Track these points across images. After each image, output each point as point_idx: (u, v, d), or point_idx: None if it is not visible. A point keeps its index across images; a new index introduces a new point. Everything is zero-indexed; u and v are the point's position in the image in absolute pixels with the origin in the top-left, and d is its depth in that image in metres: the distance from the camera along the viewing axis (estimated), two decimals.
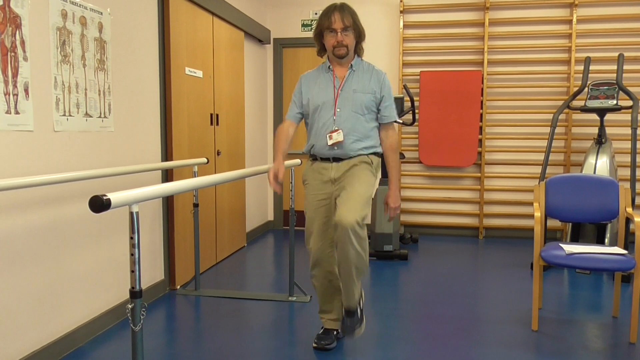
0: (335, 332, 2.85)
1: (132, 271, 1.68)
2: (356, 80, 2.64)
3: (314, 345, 2.78)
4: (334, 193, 2.65)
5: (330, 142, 2.60)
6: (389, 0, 5.70)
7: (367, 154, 2.66)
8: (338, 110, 2.61)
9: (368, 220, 2.67)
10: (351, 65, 2.66)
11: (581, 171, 4.52)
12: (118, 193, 1.60)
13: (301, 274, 4.24)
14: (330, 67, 2.68)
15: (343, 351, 2.76)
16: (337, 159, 2.65)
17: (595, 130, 5.43)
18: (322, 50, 2.71)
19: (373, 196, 2.63)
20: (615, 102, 4.41)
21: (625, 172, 5.29)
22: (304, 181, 2.78)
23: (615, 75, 5.27)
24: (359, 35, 2.65)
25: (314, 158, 2.73)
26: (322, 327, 2.89)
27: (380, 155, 2.76)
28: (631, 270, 2.77)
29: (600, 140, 4.52)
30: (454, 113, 5.55)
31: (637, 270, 2.80)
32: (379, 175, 2.72)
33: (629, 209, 3.09)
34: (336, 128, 2.60)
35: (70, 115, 2.71)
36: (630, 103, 5.12)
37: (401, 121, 4.64)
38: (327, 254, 2.72)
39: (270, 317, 3.27)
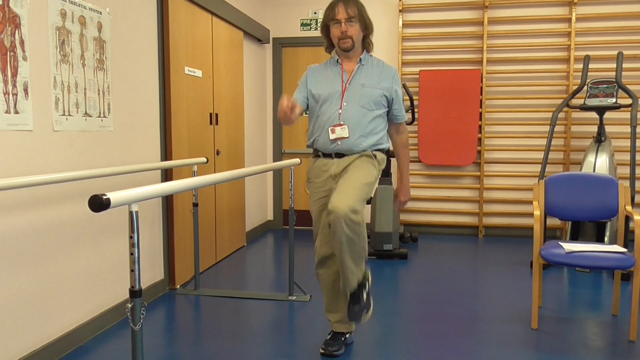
0: (343, 337, 2.75)
1: (132, 270, 1.68)
2: (365, 75, 2.57)
3: (322, 351, 2.69)
4: (333, 187, 2.56)
5: (332, 137, 2.53)
6: None
7: (371, 150, 2.58)
8: (345, 104, 2.53)
9: (366, 218, 2.61)
10: (360, 59, 2.60)
11: (581, 169, 4.52)
12: (117, 192, 1.60)
13: (301, 273, 4.25)
14: (339, 60, 2.61)
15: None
16: (339, 155, 2.58)
17: (595, 128, 5.43)
18: (330, 46, 2.66)
19: (373, 192, 2.56)
20: (614, 100, 4.41)
21: (625, 171, 5.29)
22: (308, 179, 2.70)
23: (614, 73, 5.28)
24: (366, 28, 2.57)
25: (316, 154, 2.65)
26: (330, 332, 2.79)
27: (386, 152, 2.66)
28: (631, 268, 2.77)
29: (600, 138, 4.52)
30: (454, 112, 5.55)
31: (637, 268, 2.80)
32: (382, 169, 2.65)
33: (629, 207, 3.09)
34: (341, 122, 2.53)
35: (69, 115, 2.71)
36: (629, 101, 5.12)
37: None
38: (332, 254, 2.63)
39: (270, 316, 3.27)
